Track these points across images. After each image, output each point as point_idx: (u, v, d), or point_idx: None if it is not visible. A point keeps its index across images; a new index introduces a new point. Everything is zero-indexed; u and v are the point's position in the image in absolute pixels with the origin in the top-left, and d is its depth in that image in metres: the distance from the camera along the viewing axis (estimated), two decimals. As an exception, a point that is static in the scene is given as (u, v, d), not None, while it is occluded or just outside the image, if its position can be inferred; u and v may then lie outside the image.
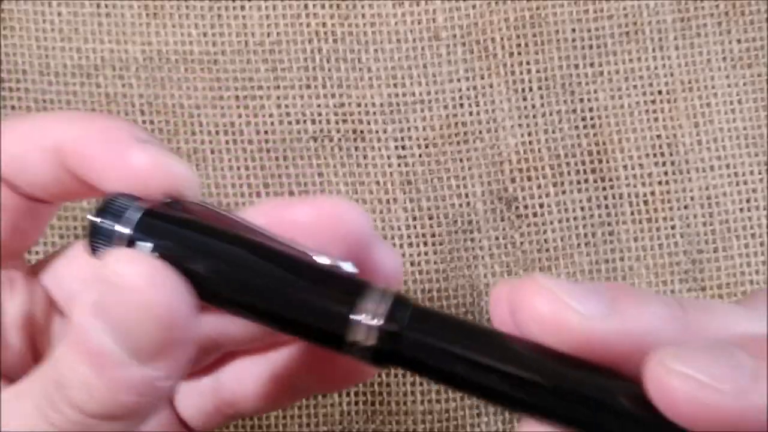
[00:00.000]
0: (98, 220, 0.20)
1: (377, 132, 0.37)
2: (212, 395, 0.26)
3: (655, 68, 0.37)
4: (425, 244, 0.37)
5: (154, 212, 0.21)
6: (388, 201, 0.37)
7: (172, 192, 0.21)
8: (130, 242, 0.20)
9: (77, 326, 0.20)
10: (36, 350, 0.24)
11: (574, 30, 0.38)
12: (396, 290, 0.19)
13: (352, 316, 0.18)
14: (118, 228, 0.20)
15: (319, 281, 0.19)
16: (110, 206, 0.21)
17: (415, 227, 0.37)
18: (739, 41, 0.38)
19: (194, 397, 0.26)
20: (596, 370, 0.18)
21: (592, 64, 0.37)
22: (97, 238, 0.21)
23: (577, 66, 0.37)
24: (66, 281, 0.25)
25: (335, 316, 0.19)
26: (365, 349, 0.18)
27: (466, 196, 0.37)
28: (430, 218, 0.37)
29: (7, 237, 0.23)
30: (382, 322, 0.18)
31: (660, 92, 0.37)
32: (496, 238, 0.37)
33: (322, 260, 0.19)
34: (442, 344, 0.18)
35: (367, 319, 0.18)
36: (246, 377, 0.25)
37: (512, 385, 0.18)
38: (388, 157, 0.37)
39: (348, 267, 0.19)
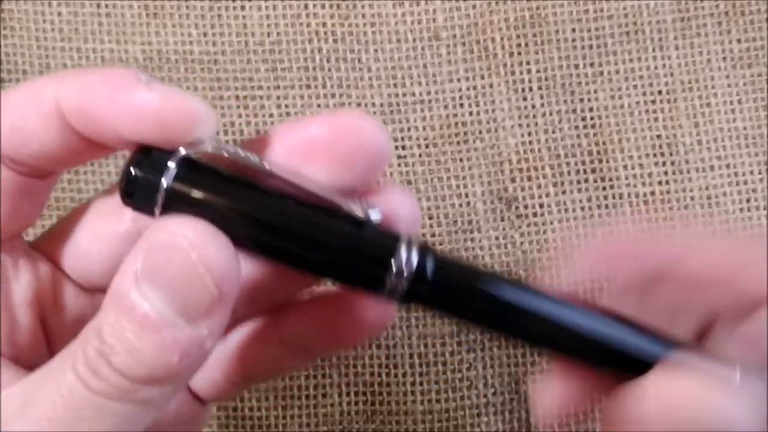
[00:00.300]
0: (135, 172, 0.20)
1: (377, 132, 0.37)
2: (222, 364, 0.26)
3: (655, 68, 0.37)
4: (425, 244, 0.37)
5: (190, 161, 0.21)
6: (388, 201, 0.37)
7: (191, 131, 0.21)
8: (169, 194, 0.20)
9: (122, 293, 0.20)
10: (46, 326, 0.24)
11: (574, 30, 0.38)
12: (421, 239, 0.22)
13: (391, 262, 0.21)
14: (155, 180, 0.20)
15: (358, 232, 0.21)
16: (144, 159, 0.21)
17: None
18: (739, 41, 0.38)
19: (205, 369, 0.25)
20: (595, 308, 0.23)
21: (592, 64, 0.37)
22: (135, 193, 0.21)
23: (577, 66, 0.37)
24: (84, 249, 0.24)
25: (377, 263, 0.21)
26: (398, 291, 0.21)
27: (466, 196, 0.37)
28: (430, 218, 0.37)
29: (7, 219, 0.23)
30: (413, 267, 0.21)
31: (660, 92, 0.37)
32: (496, 238, 0.37)
33: (356, 208, 0.21)
34: (459, 284, 0.22)
35: (401, 264, 0.21)
36: (255, 343, 0.25)
37: (516, 318, 0.22)
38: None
39: (375, 214, 0.21)
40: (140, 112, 0.20)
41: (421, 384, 0.36)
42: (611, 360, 0.23)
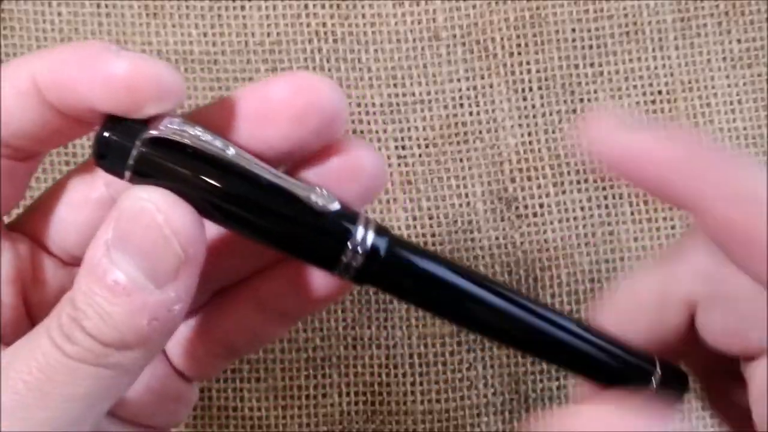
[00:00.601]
0: (108, 134, 0.22)
1: (377, 132, 0.37)
2: (201, 337, 0.26)
3: (655, 68, 0.38)
4: (425, 244, 0.37)
5: (157, 138, 0.22)
6: (388, 201, 0.37)
7: (159, 98, 0.21)
8: (140, 157, 0.21)
9: (94, 260, 0.21)
10: (28, 303, 0.25)
11: (574, 30, 0.38)
12: (376, 221, 0.23)
13: (347, 243, 0.22)
14: (127, 143, 0.22)
15: (316, 214, 0.22)
16: (117, 124, 0.22)
17: (415, 227, 0.37)
18: (739, 41, 0.38)
19: (185, 344, 0.27)
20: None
21: (592, 64, 0.37)
22: (107, 154, 0.22)
23: (577, 66, 0.37)
24: (60, 219, 0.25)
25: (333, 242, 0.22)
26: (352, 269, 0.22)
27: (466, 196, 0.37)
28: (430, 218, 0.37)
29: None
30: (368, 246, 0.22)
31: (660, 92, 0.37)
32: (496, 238, 0.37)
33: (317, 194, 0.22)
34: (412, 265, 0.23)
35: (356, 242, 0.22)
36: (231, 312, 0.26)
37: (461, 301, 0.23)
38: (388, 157, 0.37)
39: (335, 205, 0.22)
40: (110, 80, 0.21)
41: (421, 384, 0.36)
42: (555, 356, 0.24)
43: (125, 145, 0.21)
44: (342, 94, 0.23)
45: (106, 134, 0.22)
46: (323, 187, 0.23)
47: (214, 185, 0.22)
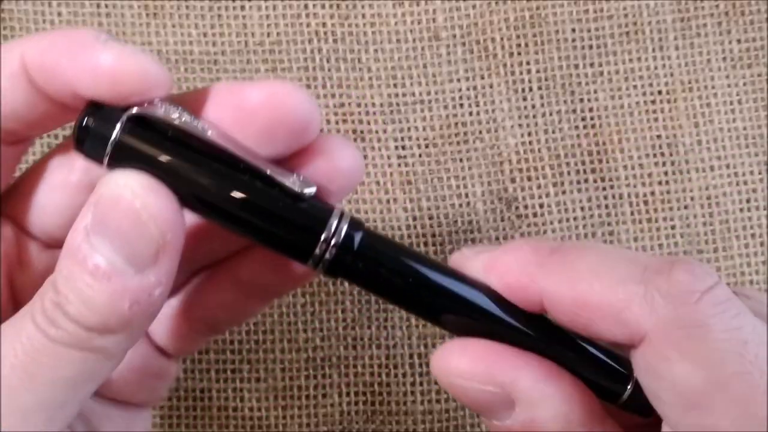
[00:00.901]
0: (87, 121, 0.22)
1: (377, 132, 0.37)
2: (184, 315, 0.27)
3: (655, 68, 0.38)
4: (425, 244, 0.37)
5: (141, 119, 0.22)
6: (388, 201, 0.37)
7: (143, 91, 0.22)
8: (118, 144, 0.22)
9: (74, 247, 0.21)
10: (13, 287, 0.25)
11: (574, 30, 0.38)
12: (351, 215, 0.23)
13: (321, 236, 0.22)
14: (105, 130, 0.22)
15: (292, 204, 0.23)
16: (97, 110, 0.22)
17: (415, 227, 0.37)
18: (739, 41, 0.38)
19: (166, 323, 0.27)
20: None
21: (592, 64, 0.37)
22: (86, 140, 0.22)
23: (577, 66, 0.37)
24: (40, 202, 0.25)
25: (306, 235, 0.23)
26: (326, 260, 0.23)
27: (466, 196, 0.37)
28: (430, 218, 0.37)
29: None
30: (341, 237, 0.22)
31: (660, 92, 0.37)
32: (496, 238, 0.37)
33: (292, 181, 0.23)
34: (384, 258, 0.23)
35: (330, 234, 0.22)
36: (212, 288, 0.26)
37: (433, 299, 0.23)
38: (388, 157, 0.37)
39: (310, 189, 0.23)
40: (96, 70, 0.22)
41: (421, 384, 0.36)
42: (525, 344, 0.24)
43: (104, 132, 0.22)
44: (313, 105, 0.23)
45: (85, 120, 0.22)
46: (300, 173, 0.23)
47: (193, 168, 0.22)
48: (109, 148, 0.22)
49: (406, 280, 0.23)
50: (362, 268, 0.23)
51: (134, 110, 0.22)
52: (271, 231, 0.23)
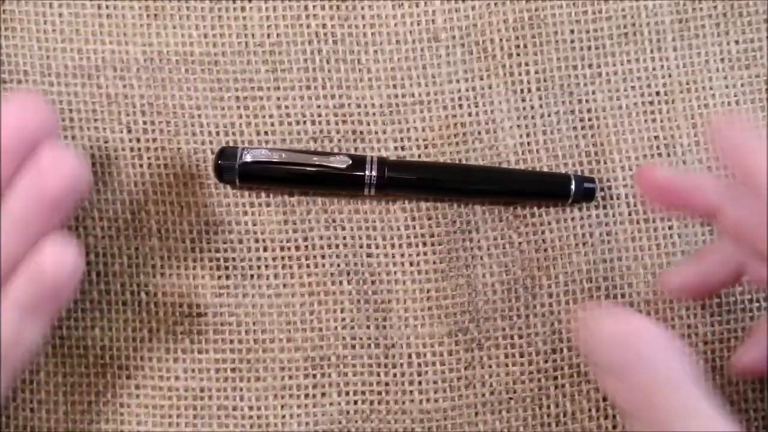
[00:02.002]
0: (220, 161, 0.36)
1: (377, 133, 0.37)
2: None
3: (653, 69, 0.38)
4: (424, 244, 0.37)
5: (249, 162, 0.35)
6: (387, 201, 0.37)
7: (39, 130, 0.29)
8: (241, 171, 0.36)
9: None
10: None
11: (572, 31, 0.38)
12: (380, 156, 0.36)
13: (365, 171, 0.36)
14: (231, 164, 0.36)
15: (339, 168, 0.36)
16: (222, 153, 0.36)
17: (414, 227, 0.37)
18: (737, 42, 0.38)
19: None
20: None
21: (590, 65, 0.38)
22: (222, 172, 0.36)
23: (575, 67, 0.38)
24: None
25: (358, 172, 0.36)
26: (372, 183, 0.36)
27: (465, 196, 0.37)
28: (429, 218, 0.37)
29: None
30: (375, 171, 0.36)
31: (658, 93, 0.37)
32: (495, 238, 0.37)
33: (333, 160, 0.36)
34: (406, 170, 0.37)
35: (371, 167, 0.36)
36: None
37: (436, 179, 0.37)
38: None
39: (347, 161, 0.36)
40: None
41: (419, 383, 0.36)
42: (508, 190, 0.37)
43: (231, 166, 0.36)
44: (50, 115, 0.29)
45: (219, 161, 0.36)
46: (340, 153, 0.36)
47: (285, 169, 0.36)
48: (236, 174, 0.36)
49: (423, 173, 0.36)
50: (395, 180, 0.36)
51: (247, 155, 0.35)
52: (337, 180, 0.36)
